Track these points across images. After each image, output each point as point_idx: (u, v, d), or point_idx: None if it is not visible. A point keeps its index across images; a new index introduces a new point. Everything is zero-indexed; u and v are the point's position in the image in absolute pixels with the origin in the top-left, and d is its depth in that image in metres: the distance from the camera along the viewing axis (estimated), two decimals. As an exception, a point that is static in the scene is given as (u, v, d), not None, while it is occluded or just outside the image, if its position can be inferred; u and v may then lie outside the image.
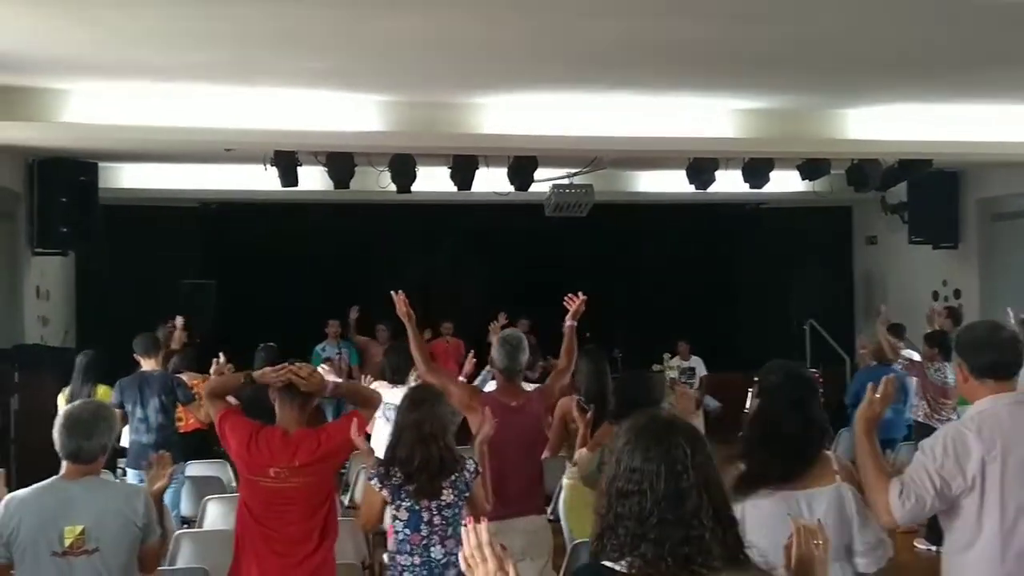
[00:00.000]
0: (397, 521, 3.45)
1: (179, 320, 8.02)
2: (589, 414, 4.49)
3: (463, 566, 1.71)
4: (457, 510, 3.50)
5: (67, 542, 3.05)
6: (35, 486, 3.18)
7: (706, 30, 5.31)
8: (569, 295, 4.46)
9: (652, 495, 1.74)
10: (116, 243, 9.37)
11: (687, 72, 6.49)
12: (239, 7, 4.86)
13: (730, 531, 1.77)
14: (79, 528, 3.07)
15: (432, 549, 3.44)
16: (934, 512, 2.69)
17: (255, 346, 7.13)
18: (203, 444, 7.02)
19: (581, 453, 4.29)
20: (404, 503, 3.43)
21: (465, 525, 1.71)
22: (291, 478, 3.44)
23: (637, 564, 1.72)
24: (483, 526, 1.71)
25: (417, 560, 3.44)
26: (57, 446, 3.18)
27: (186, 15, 4.99)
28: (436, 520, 3.45)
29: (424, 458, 3.40)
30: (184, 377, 6.48)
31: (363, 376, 6.12)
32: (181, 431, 6.37)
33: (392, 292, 4.44)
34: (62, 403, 6.45)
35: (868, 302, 12.13)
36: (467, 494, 3.53)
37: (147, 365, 6.07)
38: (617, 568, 1.74)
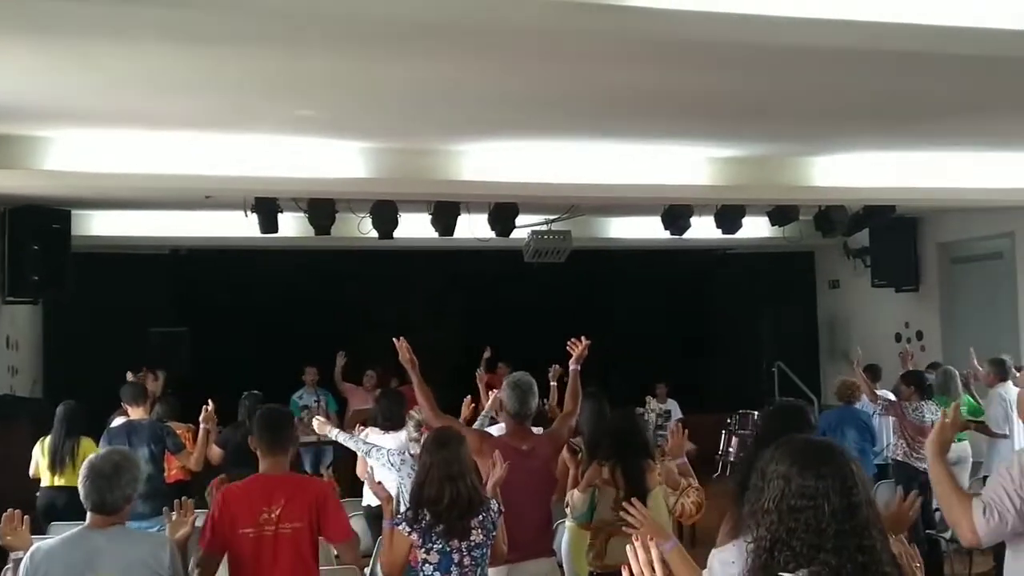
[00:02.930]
0: (427, 565, 3.45)
1: (158, 374, 7.82)
2: (580, 455, 4.55)
3: None
4: (485, 550, 3.52)
5: None
6: (61, 536, 3.15)
7: (682, 82, 5.49)
8: (572, 340, 4.53)
9: (828, 507, 1.88)
10: (86, 290, 9.22)
11: (663, 121, 6.67)
12: (223, 55, 4.88)
13: (887, 543, 1.93)
14: None
15: None
16: (1015, 532, 2.79)
17: (231, 393, 7.07)
18: (187, 494, 6.89)
19: (573, 494, 4.34)
20: (435, 545, 3.44)
21: (635, 541, 1.75)
22: None
23: (819, 572, 1.84)
24: (652, 544, 1.78)
25: None
26: (82, 496, 3.17)
27: (177, 63, 5.01)
28: (466, 561, 3.46)
29: (453, 496, 3.42)
30: (171, 425, 6.39)
31: (356, 425, 6.08)
32: (165, 481, 6.25)
33: (394, 339, 4.47)
34: (39, 453, 6.32)
35: (832, 344, 12.43)
36: (494, 533, 3.55)
37: (135, 414, 5.98)
38: None
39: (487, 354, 9.09)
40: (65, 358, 9.69)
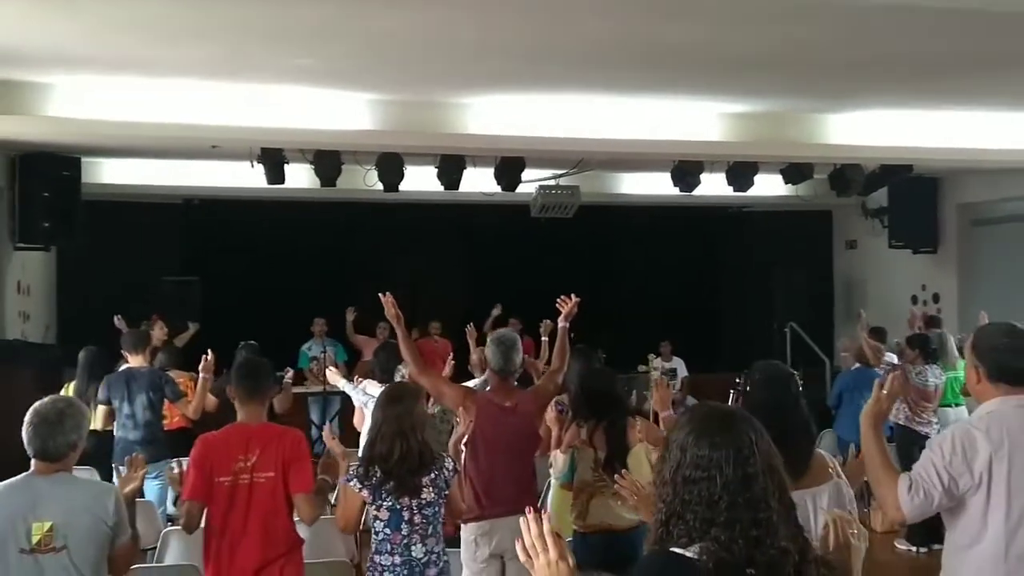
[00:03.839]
0: (378, 521, 3.44)
1: (159, 325, 7.82)
2: (566, 415, 4.51)
3: (522, 557, 1.72)
4: (437, 508, 3.50)
5: (35, 539, 2.99)
6: (4, 483, 3.10)
7: (694, 32, 5.35)
8: (562, 297, 4.48)
9: (721, 479, 1.79)
10: (98, 239, 9.27)
11: (674, 75, 6.54)
12: (229, 2, 4.84)
13: (792, 513, 1.84)
14: (47, 524, 3.00)
15: (413, 548, 3.43)
16: (940, 509, 2.73)
17: (238, 344, 7.12)
18: (188, 441, 6.95)
19: (555, 455, 4.33)
20: (385, 503, 3.42)
21: (527, 515, 1.72)
22: None
23: (709, 548, 1.75)
24: (545, 516, 1.74)
25: (398, 559, 3.42)
26: (25, 443, 3.11)
27: (175, 9, 4.97)
28: (417, 519, 3.44)
29: (403, 452, 3.39)
30: (171, 374, 6.44)
31: (355, 377, 6.10)
32: (166, 428, 6.33)
33: (380, 294, 4.44)
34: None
35: (848, 306, 12.27)
36: (446, 492, 3.53)
37: (135, 361, 6.02)
38: (687, 554, 1.77)
39: (496, 311, 9.05)
40: (77, 305, 9.79)
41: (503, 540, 4.01)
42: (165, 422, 6.35)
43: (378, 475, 3.42)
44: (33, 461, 3.12)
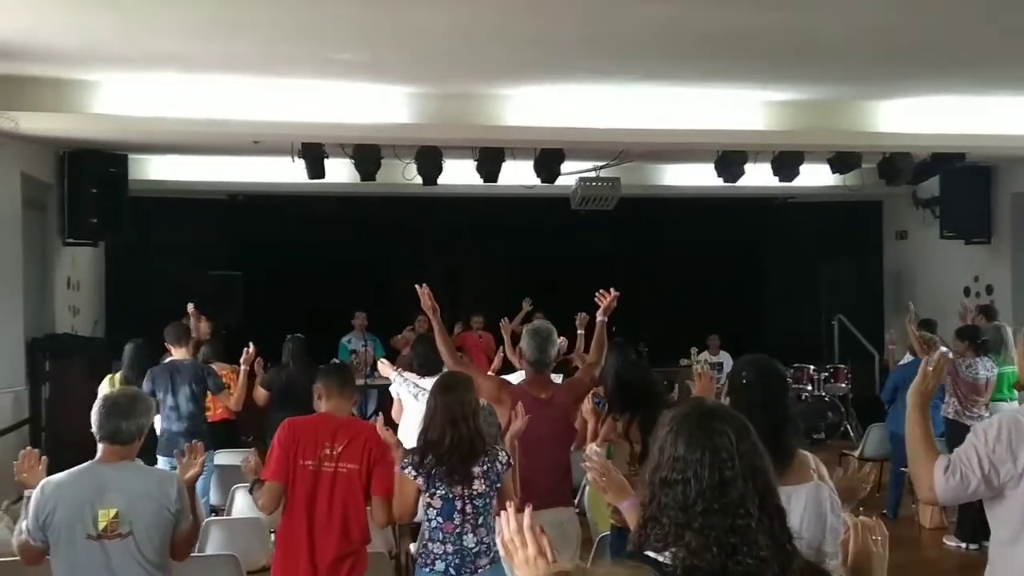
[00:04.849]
0: (431, 509, 3.46)
1: (190, 306, 7.87)
2: (604, 409, 4.46)
3: (501, 551, 1.69)
4: (489, 500, 3.51)
5: (101, 525, 3.08)
6: (70, 470, 3.20)
7: (740, 19, 5.25)
8: (601, 291, 4.43)
9: (696, 484, 1.71)
10: (144, 234, 9.45)
11: (717, 63, 6.42)
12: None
13: (777, 520, 1.73)
14: (113, 511, 3.09)
15: (465, 537, 3.45)
16: (977, 497, 2.62)
17: (281, 338, 7.18)
18: (231, 433, 7.08)
19: (590, 448, 4.27)
20: (439, 491, 3.44)
21: (500, 513, 1.69)
22: None
23: (682, 554, 1.68)
24: (526, 511, 1.69)
25: (450, 548, 3.45)
26: (95, 427, 3.20)
27: (217, 7, 5.02)
28: (468, 509, 3.46)
29: (454, 439, 3.41)
30: (214, 366, 6.52)
31: (396, 369, 6.11)
32: (209, 420, 6.40)
33: (416, 286, 4.44)
34: (108, 389, 6.51)
35: (898, 298, 11.99)
36: (498, 485, 3.53)
37: (178, 354, 6.10)
38: (661, 559, 1.70)
39: (527, 306, 8.99)
40: (125, 299, 9.98)
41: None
42: (208, 414, 6.43)
43: (432, 462, 3.43)
44: (100, 447, 3.21)
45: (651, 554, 1.71)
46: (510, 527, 1.68)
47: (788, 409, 2.81)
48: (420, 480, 3.44)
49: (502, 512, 1.73)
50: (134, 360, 6.33)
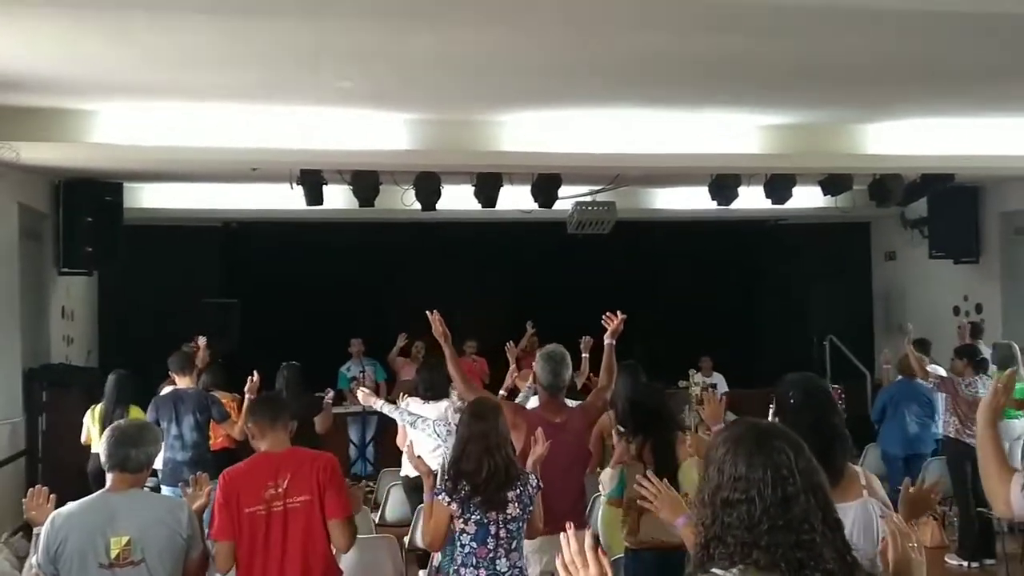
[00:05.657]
0: (464, 534, 3.47)
1: (201, 340, 7.97)
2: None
3: (561, 573, 1.70)
4: (521, 524, 3.53)
5: (113, 553, 3.07)
6: (80, 500, 3.19)
7: (732, 45, 5.33)
8: (608, 314, 4.46)
9: (760, 502, 1.73)
10: (138, 262, 9.41)
11: (712, 88, 6.51)
12: (267, 27, 4.90)
13: (838, 533, 1.77)
14: (125, 539, 3.08)
15: (498, 562, 3.47)
16: None
17: (278, 365, 7.15)
18: (232, 462, 7.01)
19: (605, 472, 4.30)
20: (473, 516, 3.45)
21: (567, 530, 1.70)
22: None
23: (750, 571, 1.70)
24: (587, 532, 1.70)
25: (483, 573, 3.46)
26: (104, 458, 3.21)
27: (215, 36, 5.04)
28: (503, 533, 3.48)
29: (491, 470, 3.43)
30: (215, 394, 6.49)
31: (399, 395, 6.11)
32: (211, 449, 6.37)
33: (428, 312, 4.46)
34: (90, 421, 6.48)
35: (888, 318, 12.12)
36: (531, 508, 3.55)
37: (181, 383, 6.09)
38: None
39: (531, 329, 9.02)
40: (119, 329, 9.92)
41: (555, 557, 3.97)
42: (210, 443, 6.40)
43: (466, 489, 3.44)
44: (109, 477, 3.21)
45: (718, 571, 1.73)
46: (571, 548, 1.69)
47: (836, 428, 2.85)
48: (455, 506, 3.45)
49: (561, 534, 1.74)
50: (114, 392, 6.30)
